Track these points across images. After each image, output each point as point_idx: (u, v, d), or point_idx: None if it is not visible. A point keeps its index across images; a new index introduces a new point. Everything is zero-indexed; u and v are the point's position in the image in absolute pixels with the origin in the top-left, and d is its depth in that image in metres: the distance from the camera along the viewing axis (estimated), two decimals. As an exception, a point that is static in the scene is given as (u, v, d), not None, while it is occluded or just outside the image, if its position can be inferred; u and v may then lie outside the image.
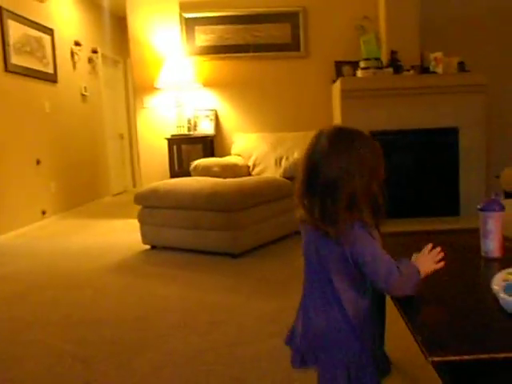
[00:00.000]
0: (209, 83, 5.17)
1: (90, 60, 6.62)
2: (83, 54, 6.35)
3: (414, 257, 1.25)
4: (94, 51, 6.73)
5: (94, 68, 6.73)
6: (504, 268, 1.28)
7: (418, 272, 1.18)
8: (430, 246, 1.26)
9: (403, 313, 1.16)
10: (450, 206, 4.47)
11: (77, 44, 6.12)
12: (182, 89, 4.98)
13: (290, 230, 3.88)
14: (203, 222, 3.55)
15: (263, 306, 2.53)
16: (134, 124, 6.76)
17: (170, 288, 2.92)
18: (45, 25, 5.31)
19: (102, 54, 7.00)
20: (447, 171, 4.49)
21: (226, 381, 1.82)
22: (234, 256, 3.48)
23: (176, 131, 5.03)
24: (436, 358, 0.93)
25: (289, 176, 4.10)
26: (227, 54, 5.13)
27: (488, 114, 4.49)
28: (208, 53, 5.15)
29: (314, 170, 1.19)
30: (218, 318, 2.41)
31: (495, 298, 1.12)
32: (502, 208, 1.58)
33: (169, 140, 4.92)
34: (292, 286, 2.76)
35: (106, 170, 6.99)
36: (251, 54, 5.11)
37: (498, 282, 1.18)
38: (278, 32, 5.09)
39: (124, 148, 7.91)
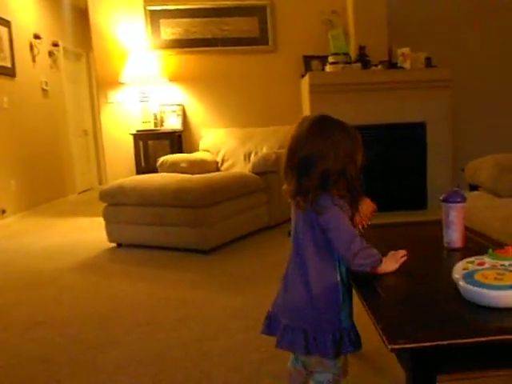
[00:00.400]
0: (175, 78, 5.10)
1: (51, 53, 6.41)
2: (43, 47, 6.15)
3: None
4: (55, 44, 6.51)
5: (55, 62, 6.53)
6: (465, 258, 1.30)
7: (380, 260, 1.30)
8: (392, 252, 1.38)
9: (365, 302, 1.18)
10: (418, 200, 4.55)
11: (36, 37, 5.92)
12: (147, 83, 4.90)
13: (259, 225, 3.87)
14: (171, 219, 3.51)
15: (231, 301, 2.52)
16: (98, 119, 6.62)
17: (137, 286, 2.87)
18: (1, 16, 5.12)
19: (64, 48, 6.80)
20: (415, 165, 4.55)
21: (193, 376, 1.80)
22: (203, 252, 3.44)
23: (142, 127, 4.95)
24: (395, 346, 0.94)
25: (258, 171, 4.06)
26: (194, 48, 5.06)
27: (454, 109, 4.57)
28: (174, 46, 5.06)
29: (293, 149, 1.32)
30: (185, 314, 2.38)
31: (456, 287, 1.14)
32: (464, 199, 1.60)
33: (134, 136, 4.83)
34: (260, 280, 2.77)
35: (71, 167, 6.83)
36: (219, 48, 5.05)
37: (458, 271, 1.19)
38: (245, 26, 5.05)
39: (89, 144, 7.74)
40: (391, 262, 1.34)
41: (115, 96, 5.10)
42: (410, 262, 1.35)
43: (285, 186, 1.36)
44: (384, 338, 0.96)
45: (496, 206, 2.47)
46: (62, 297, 2.76)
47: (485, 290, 1.07)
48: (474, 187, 2.93)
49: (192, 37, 5.03)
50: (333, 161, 1.28)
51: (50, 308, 2.59)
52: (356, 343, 1.31)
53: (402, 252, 1.37)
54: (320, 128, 1.32)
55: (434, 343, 0.95)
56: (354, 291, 1.36)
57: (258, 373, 1.73)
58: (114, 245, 3.80)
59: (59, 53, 6.65)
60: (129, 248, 3.72)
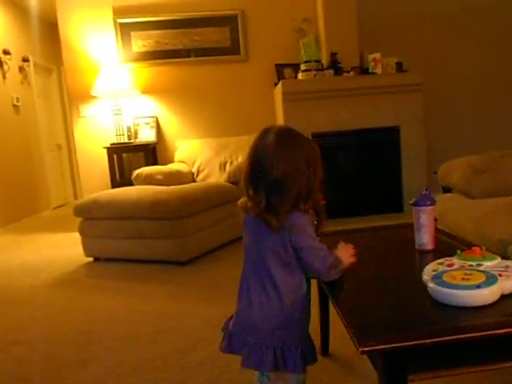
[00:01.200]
0: (148, 90, 5.10)
1: (21, 69, 6.35)
2: (13, 62, 6.09)
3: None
4: (25, 59, 6.45)
5: (25, 77, 6.46)
6: (435, 259, 1.33)
7: (341, 261, 1.32)
8: (341, 242, 1.41)
9: (337, 306, 1.20)
10: (394, 203, 4.59)
11: (6, 52, 5.87)
12: (119, 96, 4.89)
13: (236, 235, 3.87)
14: (147, 231, 3.49)
15: (208, 311, 2.52)
16: (71, 134, 6.56)
17: (115, 300, 2.85)
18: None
19: (34, 63, 6.73)
20: (390, 169, 4.60)
21: (172, 388, 1.80)
22: (180, 264, 3.43)
23: (116, 140, 4.93)
24: (366, 348, 0.96)
25: (233, 180, 4.08)
26: (166, 60, 5.06)
27: (427, 112, 4.65)
28: (146, 59, 5.06)
29: (260, 164, 1.25)
30: (163, 326, 2.38)
31: (426, 288, 1.17)
32: (433, 202, 1.64)
33: (108, 149, 4.80)
34: (236, 290, 2.75)
35: (45, 183, 6.74)
36: (191, 58, 5.07)
37: (427, 273, 1.23)
38: (217, 36, 5.08)
39: (63, 159, 7.66)
40: (347, 257, 1.35)
41: (88, 110, 5.07)
42: (382, 264, 1.38)
43: (244, 200, 1.31)
44: (355, 340, 0.98)
45: (468, 207, 2.51)
46: (38, 314, 2.72)
47: (453, 291, 1.10)
48: (447, 189, 2.95)
49: (163, 48, 5.04)
50: (304, 179, 1.25)
51: (26, 325, 2.56)
52: (315, 355, 1.33)
53: (350, 246, 1.40)
54: (289, 142, 1.28)
55: (404, 344, 0.97)
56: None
57: (236, 382, 1.74)
58: (90, 259, 3.77)
59: (30, 68, 6.58)
60: (106, 262, 3.70)
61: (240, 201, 1.34)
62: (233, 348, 1.34)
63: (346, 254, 1.36)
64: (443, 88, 5.16)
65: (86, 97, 4.97)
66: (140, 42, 5.03)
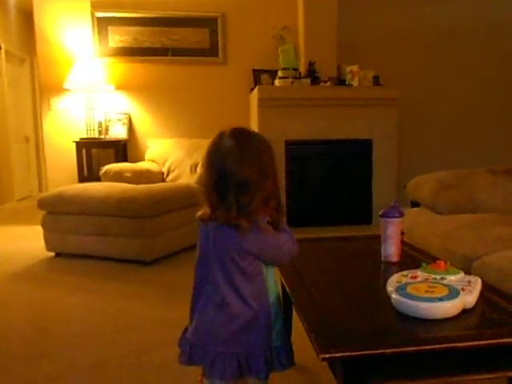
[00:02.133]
0: (122, 86, 5.04)
1: (-8, 56, 6.22)
2: (-16, 50, 5.96)
3: None
4: (-3, 47, 6.32)
5: (-4, 65, 6.33)
6: (400, 271, 1.35)
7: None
8: None
9: (300, 314, 1.20)
10: (363, 215, 4.63)
11: (-24, 38, 5.74)
12: (92, 91, 4.82)
13: None
14: (113, 229, 3.44)
15: (169, 313, 2.48)
16: (40, 126, 6.43)
17: (75, 296, 2.79)
18: None
19: (6, 51, 6.57)
20: (361, 181, 4.64)
21: (130, 387, 1.77)
22: (145, 263, 3.39)
23: (86, 135, 4.85)
24: (326, 355, 0.96)
25: (206, 189, 4.04)
26: (143, 57, 5.01)
27: (400, 127, 4.71)
28: (122, 54, 5.00)
29: (223, 169, 1.22)
30: (123, 326, 2.34)
31: (389, 299, 1.18)
32: (401, 215, 1.66)
33: (77, 143, 4.73)
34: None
35: (9, 174, 6.57)
36: (168, 57, 5.03)
37: (392, 284, 1.24)
38: (195, 37, 5.06)
39: (30, 151, 7.49)
40: None
41: (59, 102, 4.99)
42: (347, 273, 1.38)
43: (206, 211, 1.27)
44: (316, 347, 0.98)
45: (435, 222, 2.55)
46: (-6, 309, 2.66)
47: (416, 302, 1.11)
48: (415, 204, 3.00)
49: (141, 45, 5.00)
50: (271, 178, 1.25)
51: (-19, 319, 2.49)
52: (286, 362, 1.30)
53: None
54: (249, 144, 1.26)
55: (365, 353, 0.98)
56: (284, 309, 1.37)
57: (195, 384, 1.72)
58: (52, 254, 3.69)
59: (1, 56, 6.42)
60: (68, 257, 3.62)
61: (200, 212, 1.28)
62: (194, 359, 1.31)
63: None
64: (417, 104, 5.26)
65: (57, 89, 4.88)
66: (117, 38, 4.97)
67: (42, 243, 3.69)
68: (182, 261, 3.52)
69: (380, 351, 0.98)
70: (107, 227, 3.45)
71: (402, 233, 2.61)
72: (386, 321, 1.14)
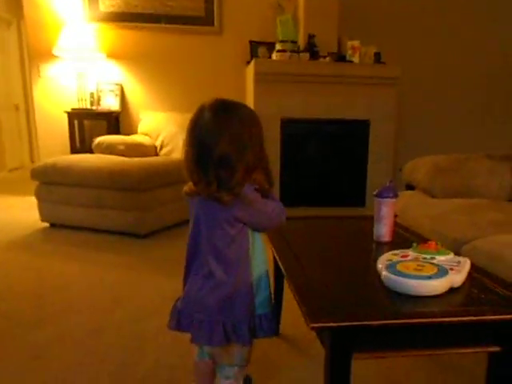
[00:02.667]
0: (114, 54, 4.91)
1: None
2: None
3: None
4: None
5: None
6: (391, 250, 1.39)
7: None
8: None
9: (293, 288, 1.24)
10: (357, 197, 4.56)
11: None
12: (83, 59, 4.71)
13: None
14: (106, 201, 3.48)
15: (165, 284, 2.55)
16: (30, 94, 6.31)
17: (71, 266, 2.84)
18: None
19: (-8, 13, 6.40)
20: (356, 162, 4.55)
21: (128, 352, 1.85)
22: (138, 236, 3.44)
23: (77, 105, 4.81)
24: (315, 325, 1.02)
25: (186, 164, 4.05)
26: (135, 23, 4.84)
27: (399, 107, 4.58)
28: (113, 20, 4.82)
29: (203, 144, 1.24)
30: (120, 295, 2.41)
31: (379, 276, 1.23)
32: (396, 195, 1.68)
33: (69, 114, 4.69)
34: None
35: (0, 144, 6.52)
36: (162, 25, 4.87)
37: (382, 262, 1.28)
38: (190, 3, 4.87)
39: (20, 120, 7.39)
40: None
41: (49, 70, 4.87)
42: (340, 251, 1.43)
43: (189, 185, 1.30)
44: (306, 317, 1.04)
45: (429, 205, 2.57)
46: (-8, 274, 2.70)
47: (405, 279, 1.15)
48: (410, 187, 3.00)
49: (133, 10, 4.81)
50: (251, 151, 1.25)
51: (-21, 284, 2.55)
52: (268, 330, 1.36)
53: None
54: (229, 116, 1.26)
55: (352, 324, 1.04)
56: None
57: (189, 351, 1.78)
58: (46, 225, 3.73)
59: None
60: (62, 228, 3.66)
61: (185, 187, 1.32)
62: (181, 325, 1.38)
63: None
64: (416, 84, 5.11)
65: (47, 55, 4.75)
66: (108, 1, 4.78)
67: (35, 214, 3.72)
68: (175, 235, 3.57)
69: (366, 323, 1.03)
70: (101, 199, 3.48)
71: (396, 215, 2.66)
72: (374, 296, 1.19)
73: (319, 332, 1.17)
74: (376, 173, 4.51)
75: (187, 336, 1.38)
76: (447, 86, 5.30)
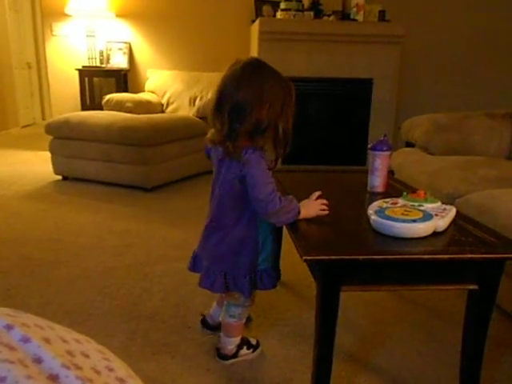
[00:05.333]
0: (123, 13, 4.93)
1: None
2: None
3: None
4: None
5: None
6: None
7: (298, 212, 1.32)
8: (317, 193, 1.43)
9: (289, 228, 1.33)
10: (359, 155, 4.52)
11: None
12: (93, 17, 4.76)
13: (201, 169, 3.92)
14: (115, 156, 3.58)
15: (170, 233, 2.68)
16: (42, 52, 6.36)
17: (83, 215, 2.98)
18: None
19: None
20: (358, 121, 4.53)
21: (135, 291, 1.99)
22: (145, 190, 3.55)
23: (88, 63, 4.87)
24: (308, 257, 1.11)
25: (202, 116, 4.13)
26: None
27: (402, 66, 4.51)
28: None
29: (224, 90, 1.28)
30: (128, 242, 2.54)
31: (369, 221, 1.31)
32: (390, 148, 1.75)
33: (80, 71, 4.76)
34: (197, 218, 2.89)
35: (13, 100, 6.59)
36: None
37: (373, 208, 1.35)
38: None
39: (32, 78, 7.44)
40: (312, 210, 1.35)
41: (61, 28, 4.93)
42: (334, 200, 1.49)
43: (212, 132, 1.33)
44: (300, 251, 1.14)
45: (426, 162, 2.61)
46: (11, 220, 2.85)
47: (391, 222, 1.23)
48: (410, 145, 3.02)
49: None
50: (266, 109, 1.26)
51: (0, 229, 2.70)
52: (268, 284, 1.45)
53: (323, 201, 1.39)
54: (255, 73, 1.29)
55: (340, 257, 1.14)
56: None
57: (192, 292, 1.93)
58: (59, 177, 3.86)
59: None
60: (74, 181, 3.79)
61: (208, 134, 1.36)
62: (195, 267, 1.51)
63: (310, 207, 1.36)
64: (419, 43, 5.02)
65: (59, 14, 4.80)
66: None
67: (49, 167, 3.85)
68: (179, 189, 3.67)
69: (353, 257, 1.14)
70: (110, 154, 3.59)
71: (393, 173, 2.72)
72: (363, 237, 1.29)
73: (311, 266, 1.27)
74: (378, 131, 4.41)
75: (190, 278, 1.50)
76: (450, 44, 5.16)
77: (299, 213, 1.32)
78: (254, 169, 1.28)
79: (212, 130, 1.35)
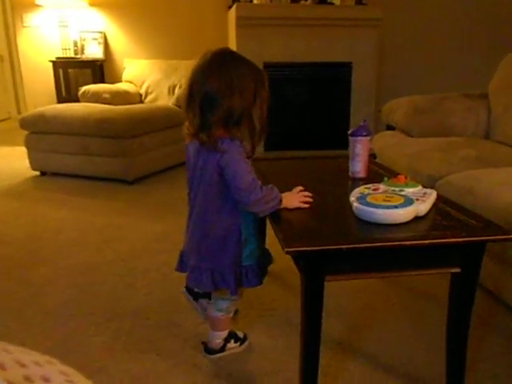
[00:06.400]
0: (96, 2, 4.85)
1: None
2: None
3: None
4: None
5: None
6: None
7: (280, 201, 1.31)
8: (299, 187, 1.42)
9: (271, 219, 1.32)
10: (340, 139, 4.39)
11: None
12: (65, 7, 4.66)
13: (180, 160, 3.81)
14: (94, 149, 3.53)
15: (153, 226, 2.65)
16: (14, 44, 6.21)
17: (62, 211, 2.93)
18: None
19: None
20: (339, 105, 4.55)
21: (118, 288, 1.97)
22: (126, 182, 3.52)
23: (62, 54, 4.77)
24: (290, 249, 1.09)
25: (181, 104, 4.08)
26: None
27: (381, 49, 4.56)
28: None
29: (195, 82, 1.27)
30: (110, 237, 2.51)
31: (351, 208, 1.30)
32: (369, 133, 1.75)
33: (54, 63, 4.67)
34: (180, 209, 2.87)
35: (-14, 94, 6.46)
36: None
37: (354, 195, 1.35)
38: None
39: (5, 71, 7.27)
40: (294, 201, 1.35)
41: (32, 19, 4.83)
42: (315, 187, 1.48)
43: (186, 125, 1.32)
44: (282, 243, 1.12)
45: (406, 144, 2.63)
46: (-13, 220, 2.79)
47: (373, 209, 1.22)
48: (391, 127, 3.04)
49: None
50: (237, 98, 1.25)
51: (-24, 230, 2.64)
52: (253, 280, 1.42)
53: (307, 194, 1.39)
54: (224, 62, 1.28)
55: (322, 247, 1.12)
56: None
57: (177, 286, 1.90)
58: (37, 173, 3.80)
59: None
60: (52, 176, 3.74)
61: (184, 128, 1.34)
62: (182, 267, 1.48)
63: (292, 198, 1.36)
64: (399, 25, 5.06)
65: (30, 5, 4.72)
66: None
67: (25, 163, 3.78)
68: (161, 180, 3.65)
69: (336, 247, 1.12)
70: (88, 147, 3.53)
71: (375, 157, 2.73)
72: (346, 225, 1.27)
73: (295, 258, 1.26)
74: (359, 115, 4.47)
75: (174, 272, 1.47)
76: (428, 27, 5.22)
77: (281, 201, 1.31)
78: (233, 159, 1.26)
79: (186, 123, 1.33)
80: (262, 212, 1.32)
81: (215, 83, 1.24)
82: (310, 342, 1.23)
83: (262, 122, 1.32)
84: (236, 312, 1.69)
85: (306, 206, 1.36)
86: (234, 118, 1.26)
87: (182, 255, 1.49)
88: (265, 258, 1.53)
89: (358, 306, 1.84)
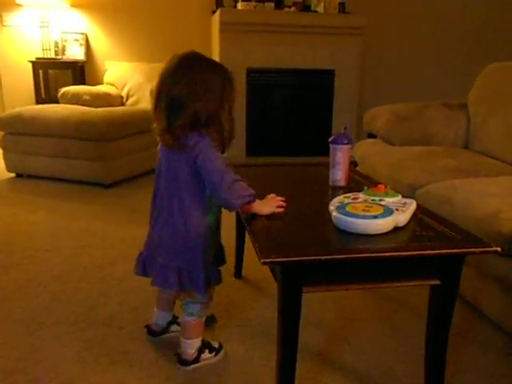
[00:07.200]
0: (78, 3, 4.76)
1: None
2: None
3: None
4: None
5: None
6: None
7: (253, 196, 1.32)
8: (272, 195, 1.41)
9: (248, 227, 1.29)
10: (322, 146, 4.50)
11: None
12: (46, 7, 4.58)
13: None
14: (72, 151, 3.47)
15: (129, 231, 2.61)
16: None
17: (37, 215, 2.87)
18: None
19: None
20: (321, 112, 4.57)
21: (91, 296, 1.91)
22: (104, 186, 3.46)
23: (42, 55, 4.70)
24: (267, 260, 1.06)
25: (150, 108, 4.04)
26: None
27: (364, 57, 4.58)
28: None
29: (161, 87, 1.29)
30: (85, 242, 2.45)
31: (330, 217, 1.28)
32: (350, 141, 1.74)
33: (33, 63, 4.58)
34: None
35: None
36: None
37: (334, 204, 1.33)
38: None
39: (-18, 70, 7.18)
40: (267, 206, 1.34)
41: (12, 19, 4.74)
42: (295, 196, 1.46)
43: (155, 125, 1.33)
44: (258, 253, 1.09)
45: (386, 153, 2.64)
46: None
47: (352, 219, 1.21)
48: (372, 136, 3.05)
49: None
50: (203, 102, 1.27)
51: None
52: (220, 278, 1.44)
53: (281, 198, 1.39)
54: (190, 66, 1.29)
55: (300, 258, 1.09)
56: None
57: (152, 294, 1.85)
58: (12, 175, 3.73)
59: None
60: (29, 179, 3.67)
61: (153, 126, 1.36)
62: (146, 271, 1.46)
63: (265, 203, 1.35)
64: (382, 33, 5.10)
65: (10, 4, 4.61)
66: None
67: (1, 164, 3.71)
68: (140, 184, 3.60)
69: (314, 258, 1.09)
70: (66, 149, 3.47)
71: (356, 165, 2.72)
72: (324, 235, 1.25)
73: (272, 268, 1.24)
74: (341, 122, 4.46)
75: (149, 281, 1.43)
76: (410, 35, 5.28)
77: (254, 200, 1.32)
78: (206, 145, 1.28)
79: (154, 125, 1.33)
80: (233, 205, 1.31)
81: (181, 88, 1.26)
82: (287, 353, 1.20)
83: (230, 123, 1.34)
84: (213, 320, 1.67)
85: (281, 209, 1.36)
86: (200, 122, 1.28)
87: (144, 258, 1.46)
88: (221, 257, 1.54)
89: (337, 316, 1.81)
